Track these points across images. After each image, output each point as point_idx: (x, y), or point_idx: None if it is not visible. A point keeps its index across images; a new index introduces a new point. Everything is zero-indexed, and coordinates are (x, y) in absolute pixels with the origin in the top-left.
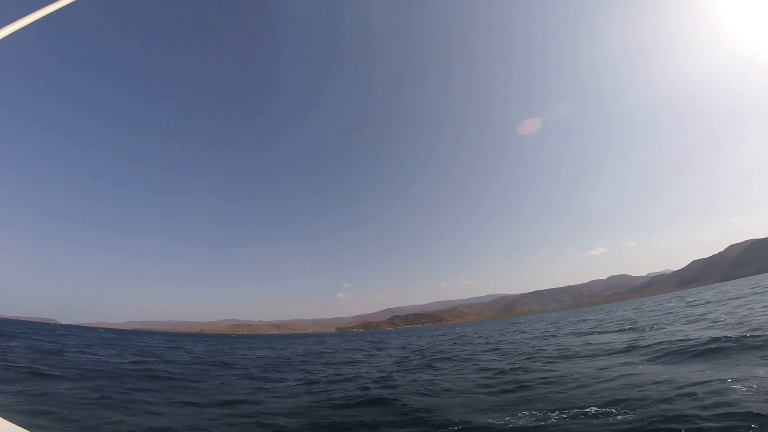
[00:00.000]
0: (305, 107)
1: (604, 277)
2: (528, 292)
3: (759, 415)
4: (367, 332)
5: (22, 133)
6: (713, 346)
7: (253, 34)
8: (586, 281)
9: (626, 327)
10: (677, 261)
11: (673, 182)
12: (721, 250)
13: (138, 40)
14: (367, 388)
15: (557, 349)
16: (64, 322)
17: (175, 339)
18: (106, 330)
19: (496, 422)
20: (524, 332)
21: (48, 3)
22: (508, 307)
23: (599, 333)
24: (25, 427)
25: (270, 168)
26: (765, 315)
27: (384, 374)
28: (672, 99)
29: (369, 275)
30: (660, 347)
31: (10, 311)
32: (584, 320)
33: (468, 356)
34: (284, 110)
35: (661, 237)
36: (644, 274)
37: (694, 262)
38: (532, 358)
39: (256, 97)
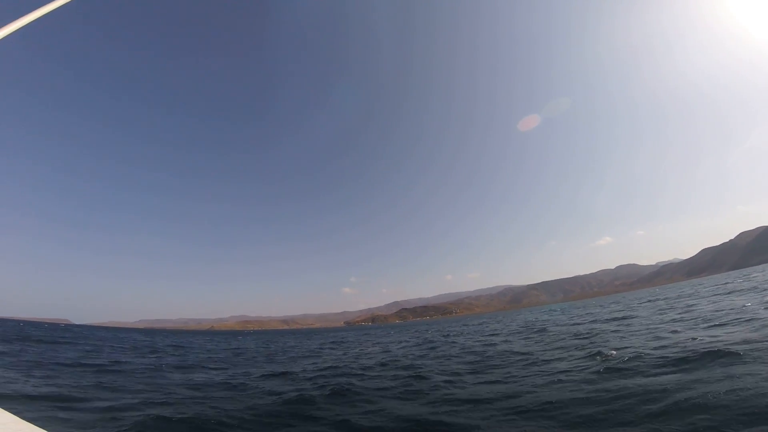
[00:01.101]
0: (310, 109)
1: (613, 267)
2: (535, 283)
3: None
4: (376, 326)
5: (27, 141)
6: None
7: (255, 38)
8: (594, 271)
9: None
10: (686, 250)
11: (681, 171)
12: (732, 237)
13: (139, 46)
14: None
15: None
16: (77, 322)
17: (220, 338)
18: (128, 330)
19: None
20: (599, 312)
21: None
22: (516, 299)
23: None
24: (40, 426)
25: (275, 169)
26: None
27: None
28: (679, 88)
29: (374, 270)
30: None
31: (24, 312)
32: (655, 300)
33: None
34: (288, 113)
35: (670, 226)
36: (653, 263)
37: (704, 251)
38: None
39: (261, 102)
